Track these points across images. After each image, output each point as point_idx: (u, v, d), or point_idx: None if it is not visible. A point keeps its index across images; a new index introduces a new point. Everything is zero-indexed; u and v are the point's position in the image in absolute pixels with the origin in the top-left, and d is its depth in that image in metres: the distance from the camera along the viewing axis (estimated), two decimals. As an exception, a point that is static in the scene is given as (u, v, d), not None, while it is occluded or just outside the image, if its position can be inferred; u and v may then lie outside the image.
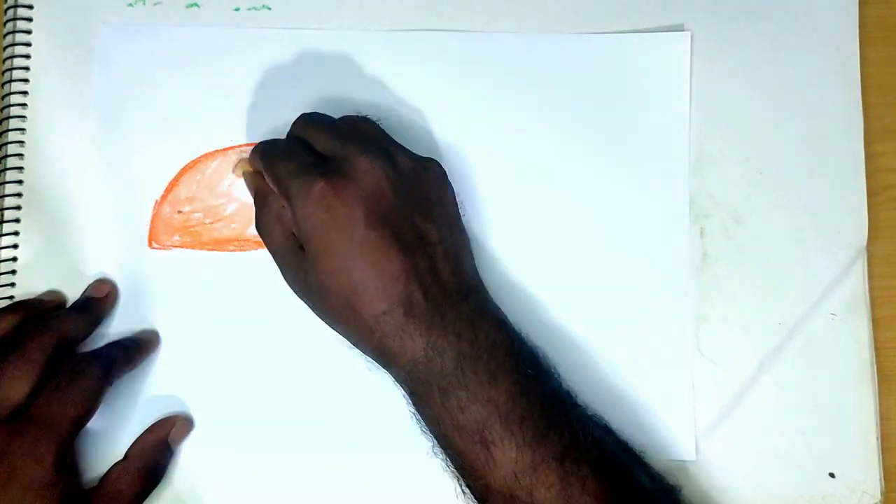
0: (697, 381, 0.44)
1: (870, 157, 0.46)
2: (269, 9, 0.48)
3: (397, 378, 0.39)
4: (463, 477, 0.38)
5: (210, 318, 0.45)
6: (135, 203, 0.46)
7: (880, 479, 0.43)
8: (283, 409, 0.45)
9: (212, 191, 0.46)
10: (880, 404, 0.44)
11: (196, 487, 0.44)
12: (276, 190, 0.40)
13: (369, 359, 0.40)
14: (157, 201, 0.46)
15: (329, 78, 0.47)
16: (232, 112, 0.47)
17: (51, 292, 0.45)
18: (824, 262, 0.45)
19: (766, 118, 0.46)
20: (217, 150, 0.47)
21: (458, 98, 0.47)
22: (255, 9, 0.48)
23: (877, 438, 0.44)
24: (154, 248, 0.46)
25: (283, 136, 0.46)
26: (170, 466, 0.44)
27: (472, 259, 0.42)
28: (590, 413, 0.40)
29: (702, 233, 0.46)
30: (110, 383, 0.41)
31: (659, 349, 0.44)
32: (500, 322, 0.40)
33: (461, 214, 0.43)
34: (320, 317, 0.40)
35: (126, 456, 0.42)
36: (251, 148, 0.43)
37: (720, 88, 0.47)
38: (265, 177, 0.41)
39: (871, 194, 0.46)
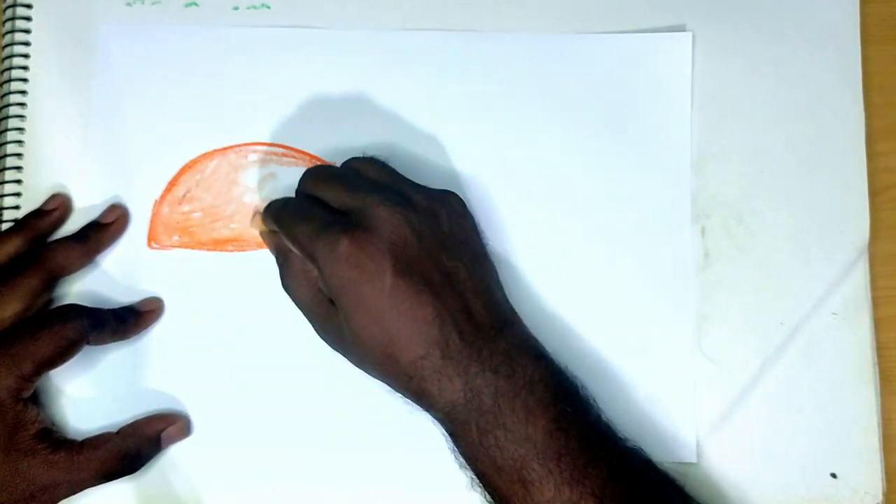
0: (699, 382, 0.44)
1: (871, 157, 0.46)
2: (269, 8, 0.47)
3: (436, 419, 0.39)
4: None
5: (209, 318, 0.45)
6: (134, 203, 0.46)
7: (882, 480, 0.43)
8: (282, 409, 0.44)
9: (211, 190, 0.46)
10: (882, 404, 0.44)
11: (196, 488, 0.44)
12: (297, 252, 0.40)
13: (408, 401, 0.40)
14: (156, 201, 0.46)
15: (329, 78, 0.47)
16: (231, 112, 0.47)
17: (55, 197, 0.45)
18: (826, 261, 0.45)
19: (767, 118, 0.46)
20: (216, 150, 0.47)
21: (458, 98, 0.47)
22: (255, 8, 0.47)
23: (878, 439, 0.44)
24: (153, 248, 0.46)
25: (282, 135, 0.46)
26: (169, 467, 0.44)
27: (502, 288, 0.42)
28: (630, 445, 0.39)
29: (703, 232, 0.46)
30: (89, 342, 0.41)
31: (660, 349, 0.44)
32: (538, 355, 0.39)
33: (485, 242, 0.42)
34: (356, 365, 0.40)
35: (117, 432, 0.43)
36: (263, 210, 0.44)
37: (722, 88, 0.47)
38: (283, 238, 0.41)
39: (873, 194, 0.46)
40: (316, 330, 0.41)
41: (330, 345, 0.41)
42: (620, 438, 0.39)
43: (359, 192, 0.40)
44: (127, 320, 0.44)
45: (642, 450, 0.39)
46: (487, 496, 0.38)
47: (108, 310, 0.43)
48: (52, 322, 0.41)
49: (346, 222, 0.39)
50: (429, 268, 0.38)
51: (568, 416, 0.37)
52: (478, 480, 0.38)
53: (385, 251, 0.38)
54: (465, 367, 0.37)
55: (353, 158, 0.43)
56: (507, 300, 0.41)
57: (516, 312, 0.41)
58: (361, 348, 0.39)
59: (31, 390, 0.41)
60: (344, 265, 0.38)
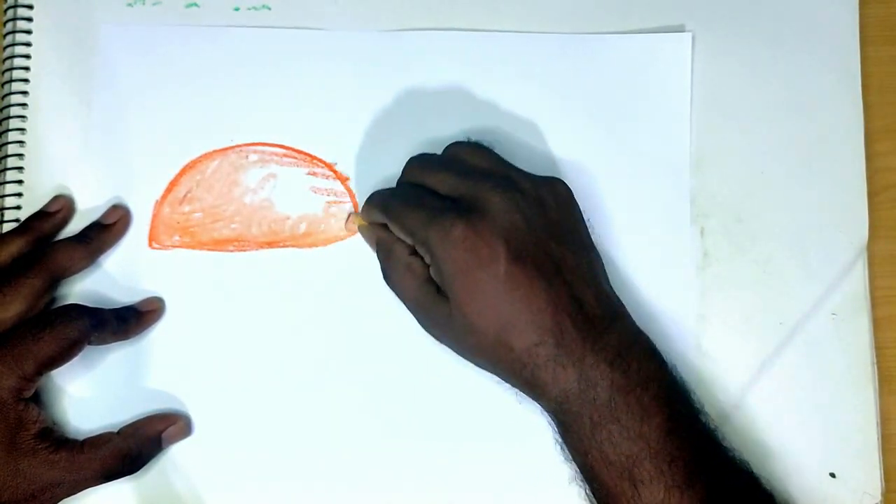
0: (698, 381, 0.44)
1: (870, 157, 0.46)
2: (269, 9, 0.48)
3: (546, 409, 0.39)
4: None
5: (210, 319, 0.45)
6: (135, 203, 0.46)
7: (881, 480, 0.43)
8: (283, 409, 0.45)
9: (212, 191, 0.46)
10: (881, 404, 0.44)
11: (196, 488, 0.44)
12: (408, 240, 0.40)
13: (518, 391, 0.40)
14: (157, 201, 0.46)
15: (329, 79, 0.47)
16: (232, 112, 0.47)
17: (58, 198, 0.45)
18: (825, 261, 0.45)
19: (766, 118, 0.46)
20: (217, 150, 0.47)
21: (457, 98, 0.47)
22: (255, 9, 0.48)
23: (877, 438, 0.44)
24: (154, 248, 0.46)
25: (282, 135, 0.47)
26: (170, 467, 0.44)
27: (608, 279, 0.41)
28: (736, 456, 0.39)
29: (702, 232, 0.46)
30: (91, 342, 0.41)
31: (659, 349, 0.44)
32: (651, 351, 0.39)
33: (591, 232, 0.42)
34: (465, 355, 0.40)
35: (118, 432, 0.43)
36: (364, 202, 0.43)
37: (721, 89, 0.47)
38: (392, 228, 0.41)
39: (872, 194, 0.46)
40: (421, 323, 0.41)
41: (437, 337, 0.41)
42: (727, 448, 0.39)
43: (468, 178, 0.40)
44: (128, 320, 0.44)
45: (747, 462, 0.39)
46: (590, 492, 0.38)
47: (110, 310, 0.43)
48: (53, 322, 0.41)
49: (459, 208, 0.39)
50: (540, 255, 0.38)
51: (682, 419, 0.37)
52: (583, 475, 0.38)
53: (499, 236, 0.38)
54: (579, 357, 0.37)
55: (456, 143, 0.43)
56: (613, 291, 0.41)
57: (623, 305, 0.41)
58: (474, 336, 0.39)
59: (33, 390, 0.41)
60: (459, 250, 0.38)
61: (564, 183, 0.41)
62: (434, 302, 0.39)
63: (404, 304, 0.41)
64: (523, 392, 0.39)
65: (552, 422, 0.39)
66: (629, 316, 0.40)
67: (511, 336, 0.38)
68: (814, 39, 0.47)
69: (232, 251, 0.46)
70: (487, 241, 0.38)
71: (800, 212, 0.46)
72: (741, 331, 0.45)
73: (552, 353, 0.37)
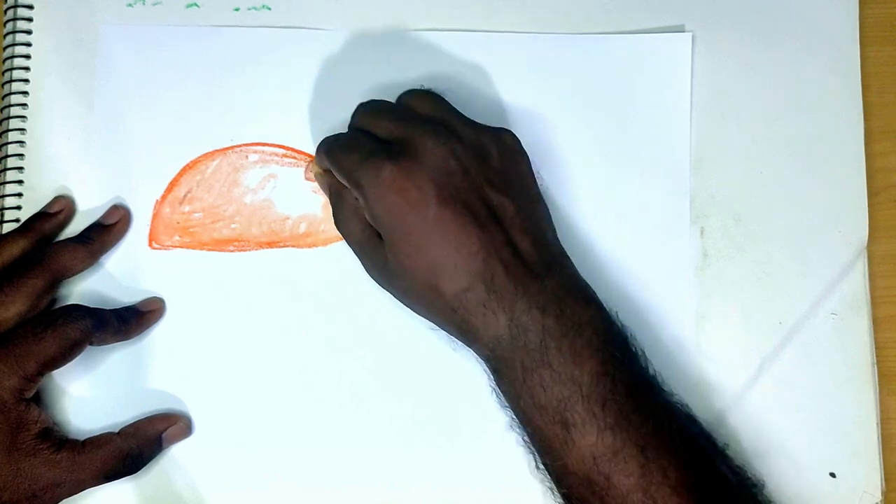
0: (697, 381, 0.44)
1: (870, 157, 0.46)
2: (269, 9, 0.48)
3: (480, 355, 0.39)
4: (540, 455, 0.38)
5: (210, 319, 0.45)
6: (135, 203, 0.46)
7: (881, 479, 0.43)
8: (283, 409, 0.45)
9: (212, 191, 0.46)
10: (881, 404, 0.44)
11: (197, 488, 0.44)
12: (346, 183, 0.40)
13: (452, 338, 0.40)
14: (157, 201, 0.46)
15: (329, 78, 0.47)
16: (232, 112, 0.47)
17: (59, 199, 0.46)
18: (825, 261, 0.45)
19: (766, 118, 0.46)
20: (217, 150, 0.47)
21: (457, 98, 0.46)
22: (255, 9, 0.48)
23: (877, 438, 0.44)
24: (154, 248, 0.46)
25: (282, 135, 0.47)
26: (171, 467, 0.44)
27: (554, 230, 0.41)
28: (674, 400, 0.39)
29: (702, 232, 0.46)
30: (92, 342, 0.42)
31: (659, 349, 0.44)
32: (588, 298, 0.39)
33: (540, 184, 0.42)
34: (402, 301, 0.41)
35: (118, 432, 0.43)
36: (316, 149, 0.43)
37: (721, 89, 0.47)
38: (333, 172, 0.41)
39: (872, 194, 0.46)
40: (365, 267, 0.42)
41: (377, 281, 0.41)
42: (666, 391, 0.39)
43: (406, 123, 0.40)
44: (129, 320, 0.44)
45: (687, 405, 0.39)
46: (525, 437, 0.38)
47: (111, 310, 0.43)
48: (55, 322, 0.41)
49: (390, 150, 0.39)
50: (473, 201, 0.38)
51: (616, 363, 0.37)
52: (517, 420, 0.38)
53: (429, 179, 0.38)
54: (510, 303, 0.37)
55: (409, 91, 0.43)
56: (557, 241, 0.41)
57: (567, 255, 0.40)
58: (405, 280, 0.39)
59: (34, 390, 0.41)
60: (387, 191, 0.38)
61: (513, 134, 0.41)
62: (374, 245, 0.40)
63: (350, 247, 0.42)
64: (456, 338, 0.39)
65: (486, 368, 0.39)
66: (572, 266, 0.40)
67: (441, 280, 0.38)
68: (814, 39, 0.47)
69: (232, 251, 0.46)
70: (416, 183, 0.38)
71: (799, 212, 0.46)
72: (740, 331, 0.45)
73: (482, 299, 0.37)
